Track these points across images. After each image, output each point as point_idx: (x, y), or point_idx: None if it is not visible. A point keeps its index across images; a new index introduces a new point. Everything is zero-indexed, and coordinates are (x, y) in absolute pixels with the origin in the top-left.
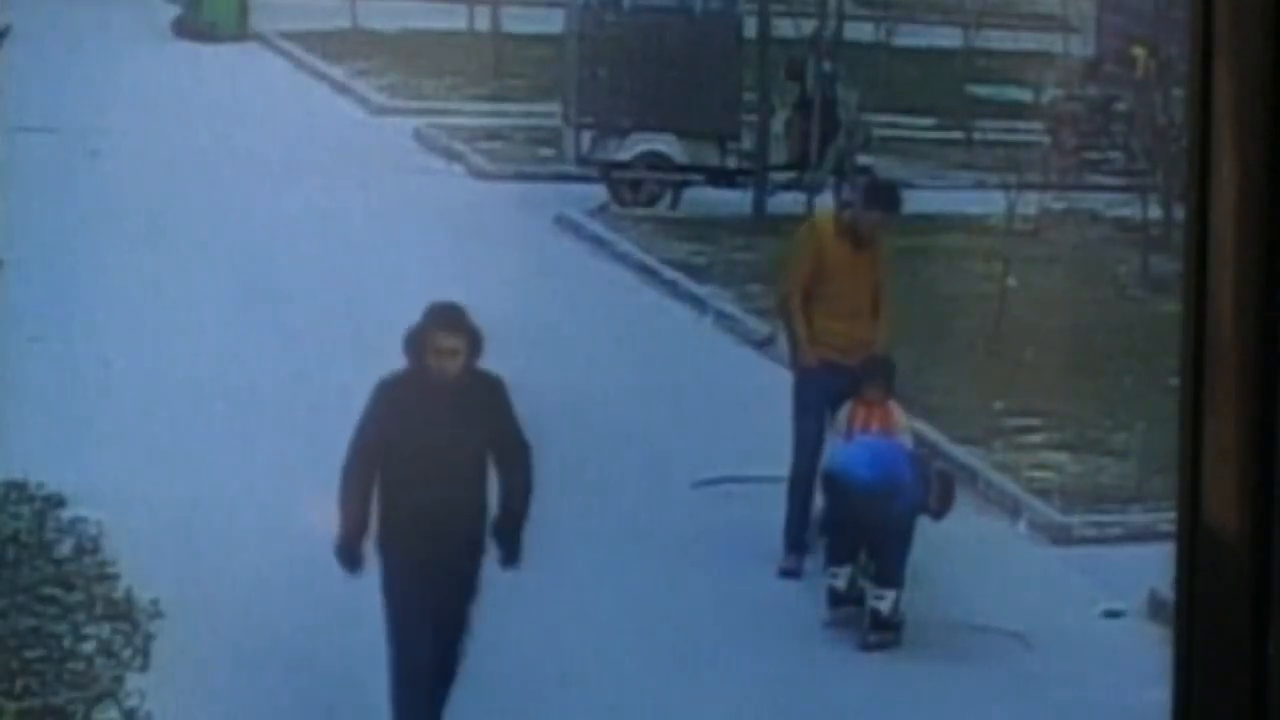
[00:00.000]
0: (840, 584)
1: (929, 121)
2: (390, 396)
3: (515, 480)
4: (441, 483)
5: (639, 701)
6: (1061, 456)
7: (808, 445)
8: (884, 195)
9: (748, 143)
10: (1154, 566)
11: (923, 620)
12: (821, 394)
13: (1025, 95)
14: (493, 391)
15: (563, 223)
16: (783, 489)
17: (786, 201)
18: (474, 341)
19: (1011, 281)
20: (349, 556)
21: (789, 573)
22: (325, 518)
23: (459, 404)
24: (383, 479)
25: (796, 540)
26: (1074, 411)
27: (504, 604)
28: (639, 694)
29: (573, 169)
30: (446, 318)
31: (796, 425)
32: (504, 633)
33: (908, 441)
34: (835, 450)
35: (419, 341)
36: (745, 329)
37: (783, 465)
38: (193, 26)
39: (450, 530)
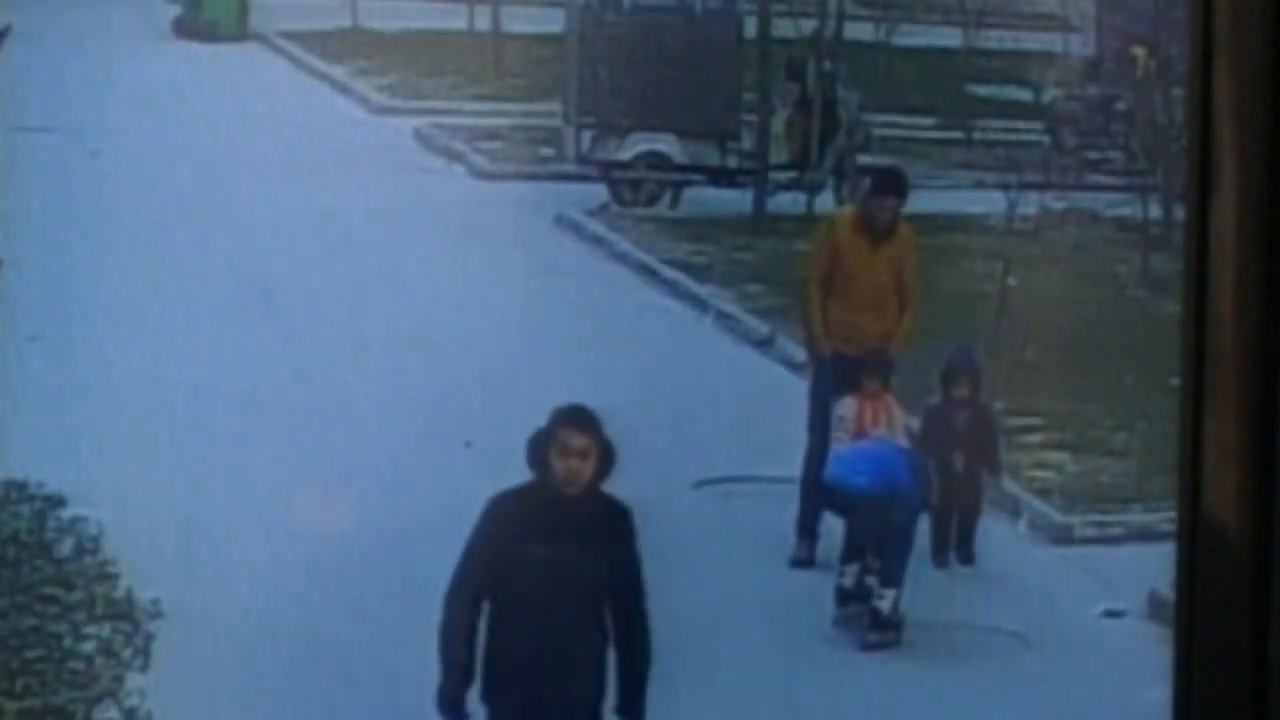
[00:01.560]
0: (848, 582)
1: (929, 121)
2: (504, 512)
3: (634, 632)
4: (558, 617)
5: None
6: (1061, 456)
7: (817, 434)
8: (893, 181)
9: (748, 143)
10: (1154, 566)
11: (923, 620)
12: (833, 384)
13: (1025, 95)
14: (619, 521)
15: (563, 223)
16: (783, 489)
17: (786, 201)
18: (605, 452)
19: (1011, 281)
20: (453, 709)
21: (800, 562)
22: (325, 517)
23: (582, 527)
24: (491, 610)
25: (808, 529)
26: (1074, 411)
27: None
28: None
29: (573, 169)
30: (576, 417)
31: (809, 413)
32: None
33: (903, 436)
34: (834, 459)
35: (544, 443)
36: (745, 329)
37: (782, 465)
38: (193, 26)
39: (567, 673)
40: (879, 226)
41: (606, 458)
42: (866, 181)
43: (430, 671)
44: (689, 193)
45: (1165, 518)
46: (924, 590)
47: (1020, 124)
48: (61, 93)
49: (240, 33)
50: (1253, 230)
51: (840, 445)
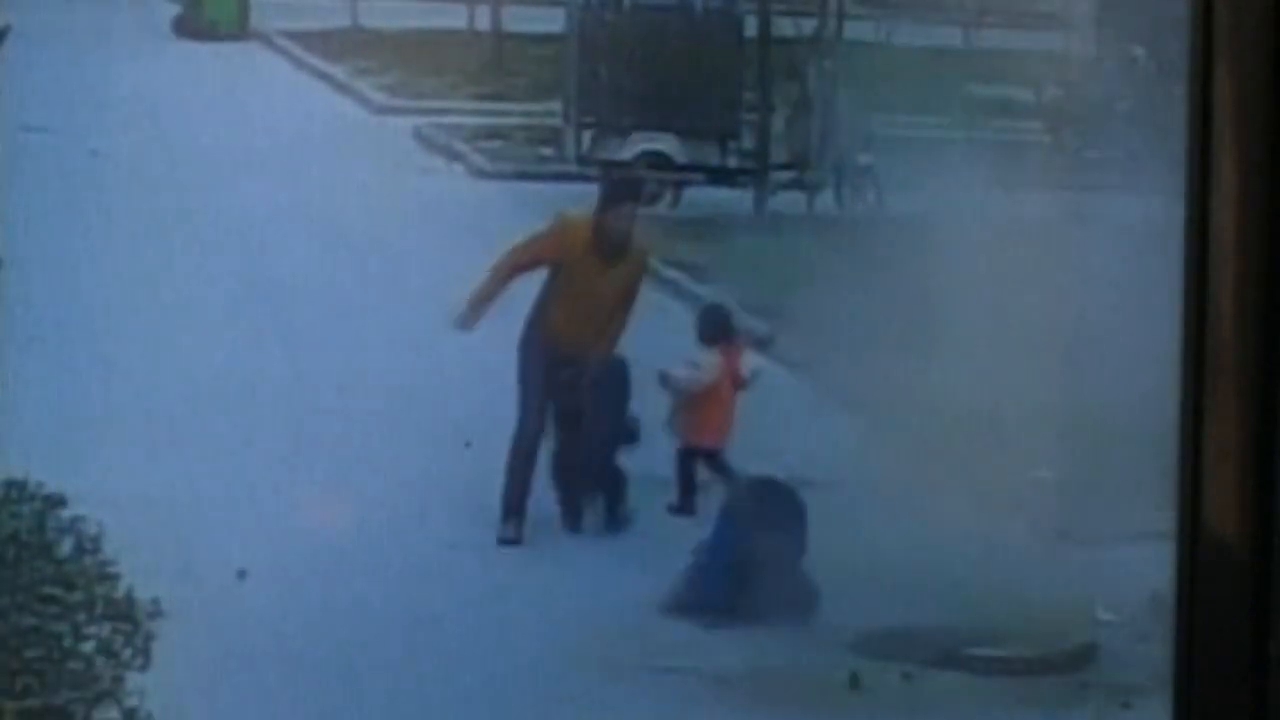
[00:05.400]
0: None
1: (929, 121)
2: None
3: None
4: None
5: (638, 704)
6: (1062, 456)
7: (528, 419)
8: (627, 187)
9: (748, 142)
10: (1154, 566)
11: (922, 623)
12: (539, 374)
13: (1025, 95)
14: None
15: None
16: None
17: (786, 201)
18: None
19: (1011, 281)
20: None
21: (508, 541)
22: (325, 517)
23: None
24: None
25: (515, 507)
26: (1074, 411)
27: (512, 600)
28: (642, 697)
29: (573, 169)
30: None
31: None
32: (509, 631)
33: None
34: None
35: None
36: (745, 329)
37: (782, 465)
38: (193, 26)
39: None
40: (614, 241)
41: None
42: (602, 187)
43: (430, 670)
44: (689, 193)
45: (1165, 517)
46: (924, 591)
47: (1020, 124)
48: (61, 93)
49: (240, 32)
50: (1253, 230)
51: None
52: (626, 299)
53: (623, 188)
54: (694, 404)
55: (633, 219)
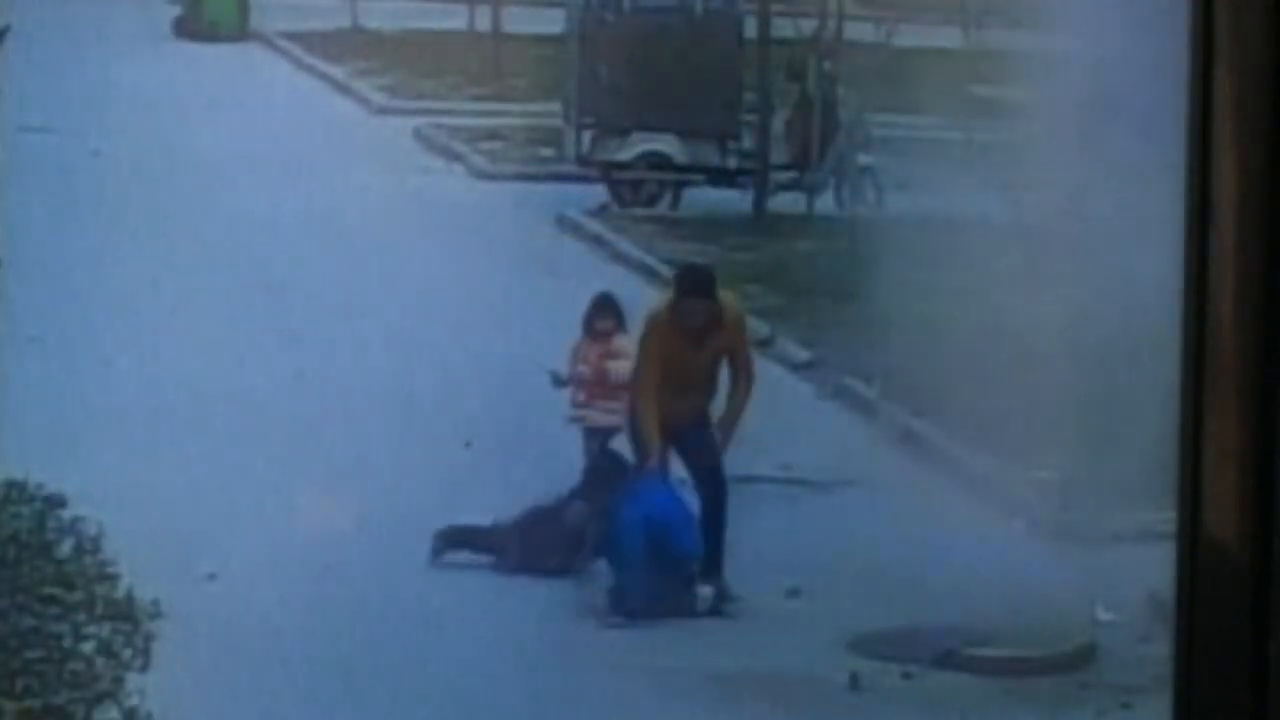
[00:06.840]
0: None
1: (929, 121)
2: None
3: None
4: None
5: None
6: (1062, 456)
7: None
8: (700, 283)
9: (748, 143)
10: (1154, 566)
11: (922, 623)
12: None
13: (1025, 95)
14: None
15: (563, 223)
16: (783, 490)
17: (786, 201)
18: None
19: (1012, 282)
20: None
21: None
22: (324, 517)
23: None
24: None
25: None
26: (1075, 411)
27: (511, 598)
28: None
29: (573, 169)
30: None
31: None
32: (509, 630)
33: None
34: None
35: None
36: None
37: (782, 465)
38: (193, 26)
39: None
40: (694, 329)
41: None
42: (675, 281)
43: (430, 669)
44: (689, 193)
45: (1165, 518)
46: (923, 592)
47: (1020, 124)
48: (61, 93)
49: (240, 33)
50: (1253, 230)
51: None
52: (734, 360)
53: (697, 282)
54: (611, 391)
55: (707, 312)
